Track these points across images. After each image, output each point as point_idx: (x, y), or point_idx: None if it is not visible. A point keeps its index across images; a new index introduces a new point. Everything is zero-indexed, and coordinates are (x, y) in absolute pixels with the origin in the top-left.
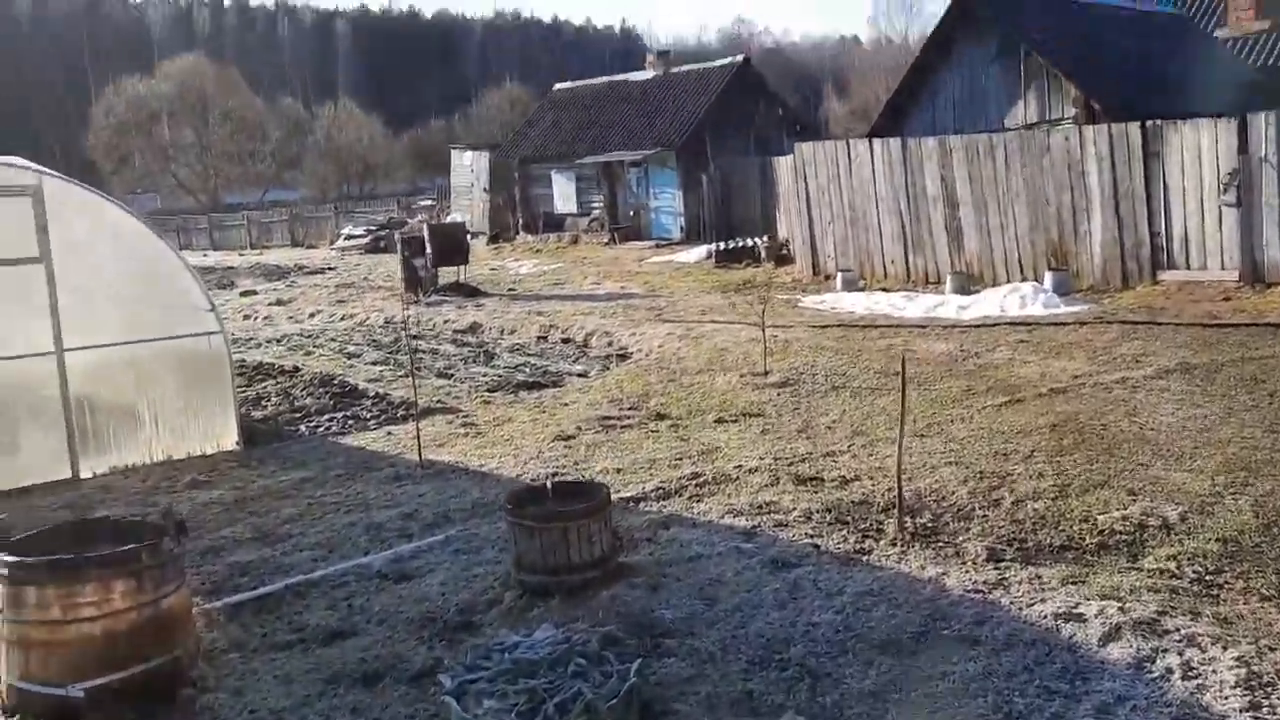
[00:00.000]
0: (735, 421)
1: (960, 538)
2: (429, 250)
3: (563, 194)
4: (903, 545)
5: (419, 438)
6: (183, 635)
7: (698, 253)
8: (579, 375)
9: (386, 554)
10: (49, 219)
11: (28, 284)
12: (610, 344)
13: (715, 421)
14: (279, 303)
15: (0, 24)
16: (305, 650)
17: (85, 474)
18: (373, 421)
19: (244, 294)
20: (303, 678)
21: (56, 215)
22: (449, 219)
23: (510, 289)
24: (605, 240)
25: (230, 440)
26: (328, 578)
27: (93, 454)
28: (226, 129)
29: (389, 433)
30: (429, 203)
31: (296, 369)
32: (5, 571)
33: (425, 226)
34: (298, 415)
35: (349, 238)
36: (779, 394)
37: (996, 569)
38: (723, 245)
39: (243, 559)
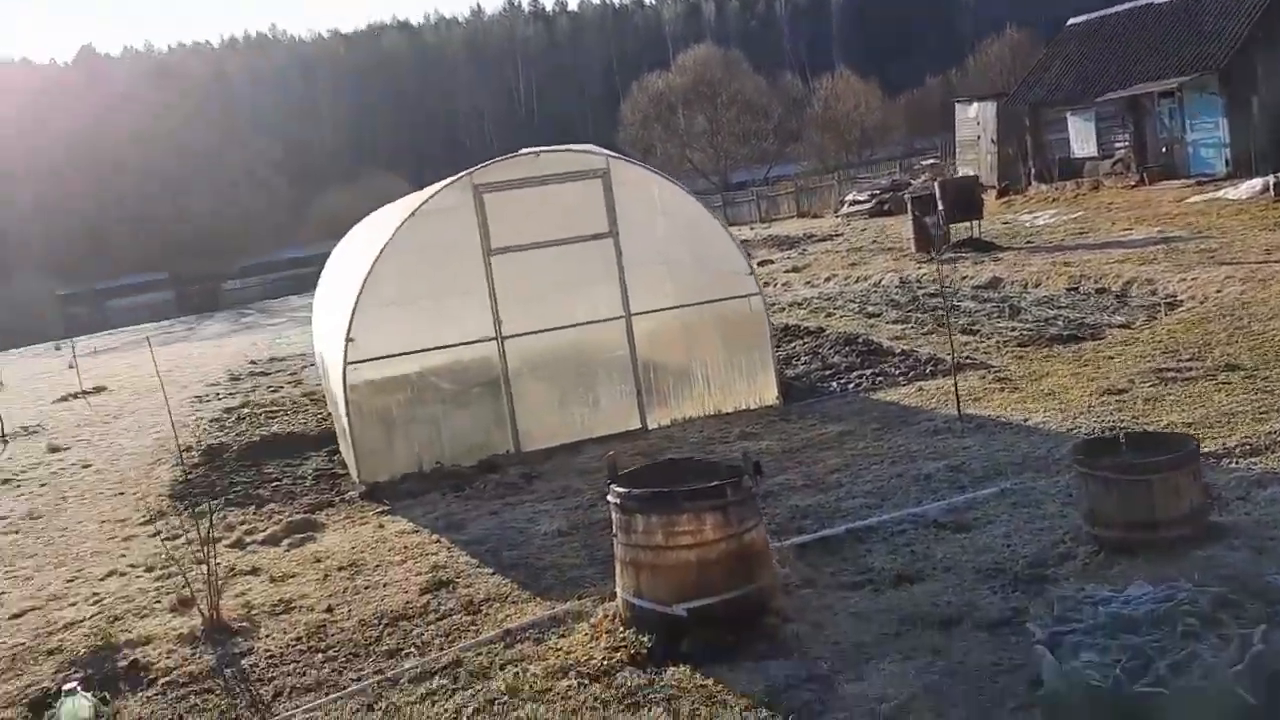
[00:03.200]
0: None
1: None
2: (940, 207)
3: (1080, 137)
4: None
5: (957, 392)
6: (763, 568)
7: (1250, 187)
8: (1120, 326)
9: (940, 504)
10: (615, 197)
11: (601, 257)
12: (1154, 292)
13: None
14: (794, 269)
15: (548, 41)
16: (875, 592)
17: (651, 425)
18: (901, 378)
19: (761, 263)
20: (877, 617)
21: (621, 193)
22: (955, 174)
23: (1028, 241)
24: (1132, 183)
25: (770, 396)
26: (884, 524)
27: (656, 408)
28: (733, 112)
29: (920, 388)
30: (931, 161)
31: (821, 330)
32: (618, 501)
33: (936, 183)
34: (828, 373)
35: (852, 204)
36: None
37: None
38: None
39: (800, 503)
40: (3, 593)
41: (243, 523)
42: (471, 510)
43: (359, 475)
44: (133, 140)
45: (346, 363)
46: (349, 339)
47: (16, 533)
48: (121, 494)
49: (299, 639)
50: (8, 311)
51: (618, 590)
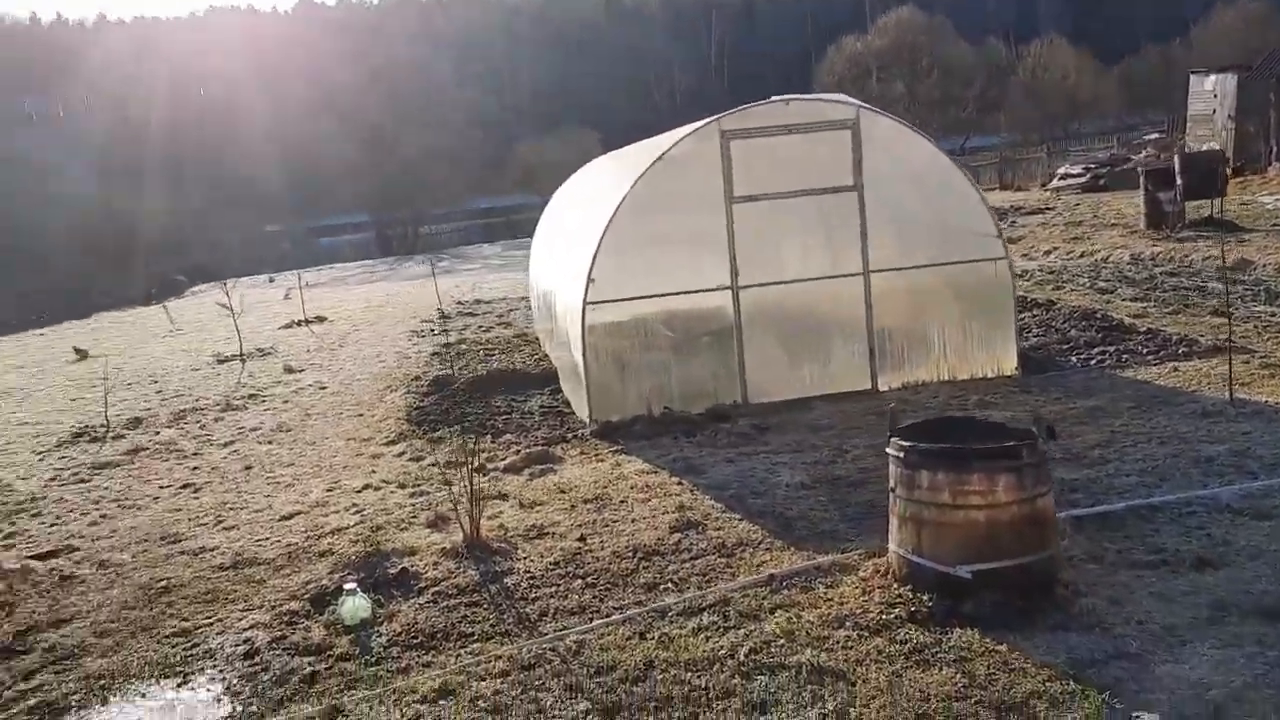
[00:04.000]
0: None
1: None
2: (1178, 182)
3: None
4: None
5: (1230, 374)
6: (1051, 537)
7: None
8: None
9: (1233, 489)
10: (863, 149)
11: (842, 210)
12: None
13: None
14: (1010, 241)
15: (744, 1)
16: (1173, 573)
17: (883, 387)
18: (1151, 357)
19: None
20: (1182, 599)
21: (869, 145)
22: (1187, 149)
23: (1274, 224)
24: None
25: (1009, 366)
26: (1169, 504)
27: (888, 370)
28: (932, 78)
29: (1174, 369)
30: (1156, 135)
31: (1051, 303)
32: (900, 455)
33: (1176, 157)
34: (1065, 347)
35: (1064, 177)
36: None
37: None
38: None
39: (1066, 476)
40: (269, 496)
41: (483, 450)
42: (707, 456)
43: (591, 414)
44: (345, 88)
45: (586, 303)
46: (590, 279)
47: (270, 443)
48: (360, 415)
49: (556, 564)
50: (226, 245)
51: (891, 545)
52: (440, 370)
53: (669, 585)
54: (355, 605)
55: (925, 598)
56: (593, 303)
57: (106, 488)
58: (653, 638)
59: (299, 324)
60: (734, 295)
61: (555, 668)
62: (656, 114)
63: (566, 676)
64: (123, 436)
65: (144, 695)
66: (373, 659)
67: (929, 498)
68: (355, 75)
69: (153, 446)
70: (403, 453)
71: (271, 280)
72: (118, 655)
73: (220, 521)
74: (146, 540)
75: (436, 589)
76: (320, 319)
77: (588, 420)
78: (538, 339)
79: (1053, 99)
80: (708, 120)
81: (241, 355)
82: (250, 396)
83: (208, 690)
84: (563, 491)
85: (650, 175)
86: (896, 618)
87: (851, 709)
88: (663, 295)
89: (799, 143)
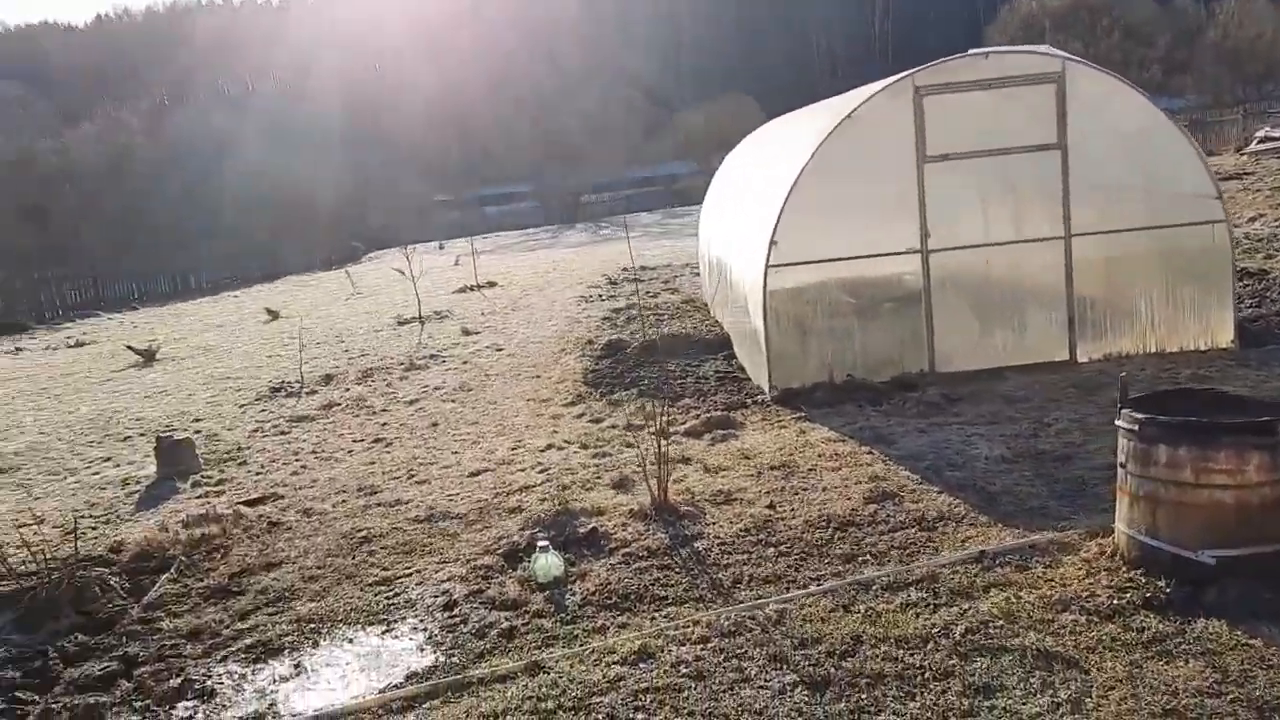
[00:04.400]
0: None
1: None
2: None
3: None
4: None
5: None
6: None
7: None
8: None
9: None
10: (1068, 105)
11: (1042, 170)
12: None
13: None
14: None
15: None
16: None
17: (1081, 358)
18: None
19: None
20: None
21: (1074, 101)
22: None
23: None
24: None
25: (1224, 338)
26: None
27: (1089, 339)
28: (1113, 38)
29: None
30: None
31: (1264, 271)
32: (1135, 428)
33: None
34: None
35: (1264, 140)
36: None
37: None
38: None
39: None
40: (456, 452)
41: (662, 414)
42: (895, 426)
43: (771, 380)
44: (511, 59)
45: (768, 265)
46: (772, 242)
47: (454, 402)
48: (537, 377)
49: (746, 530)
50: (398, 213)
51: (1118, 525)
52: (612, 334)
53: (868, 557)
54: (548, 563)
55: (1161, 583)
56: (775, 266)
57: (304, 439)
58: (858, 611)
59: (471, 289)
60: (923, 259)
61: (756, 637)
62: (812, 85)
63: (769, 646)
64: (316, 392)
65: (351, 640)
66: (568, 617)
67: (1167, 475)
68: (520, 46)
69: (344, 402)
70: (582, 414)
71: (441, 247)
72: (325, 600)
73: (412, 475)
74: (345, 491)
75: (626, 550)
76: (491, 284)
77: (766, 386)
78: (705, 305)
79: (1248, 59)
80: (900, 76)
81: (420, 318)
82: (431, 357)
83: (410, 639)
84: (747, 457)
85: (838, 133)
86: (1129, 603)
87: (1087, 699)
88: (847, 259)
89: (997, 99)
